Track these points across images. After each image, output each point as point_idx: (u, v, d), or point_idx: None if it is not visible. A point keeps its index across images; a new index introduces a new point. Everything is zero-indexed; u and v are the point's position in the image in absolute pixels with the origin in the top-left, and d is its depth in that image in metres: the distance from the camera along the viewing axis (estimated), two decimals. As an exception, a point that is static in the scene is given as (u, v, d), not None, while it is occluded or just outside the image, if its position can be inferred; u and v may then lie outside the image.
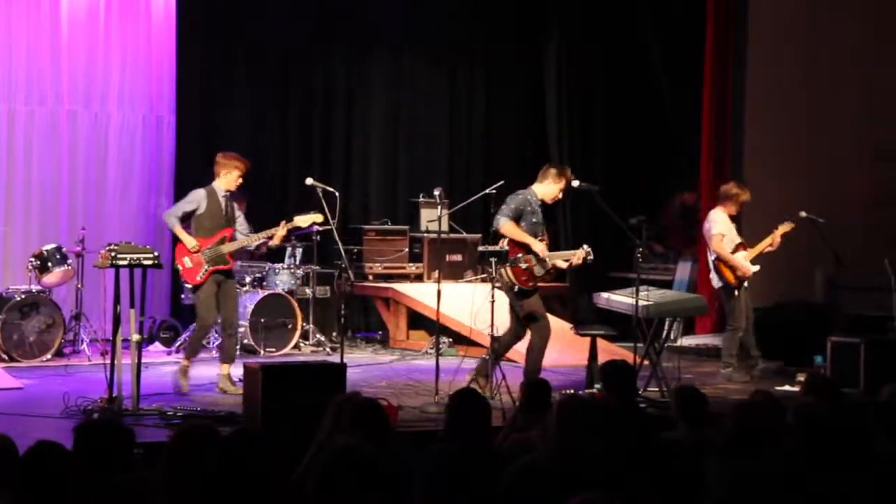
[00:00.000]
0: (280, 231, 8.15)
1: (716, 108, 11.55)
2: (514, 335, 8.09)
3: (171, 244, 10.54)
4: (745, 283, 9.20)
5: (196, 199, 8.12)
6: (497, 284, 8.00)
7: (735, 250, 9.21)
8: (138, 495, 3.48)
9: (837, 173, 11.21)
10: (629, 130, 12.97)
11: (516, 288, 7.92)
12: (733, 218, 9.32)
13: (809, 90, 11.33)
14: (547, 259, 7.94)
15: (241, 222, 8.28)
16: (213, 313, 8.10)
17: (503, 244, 8.03)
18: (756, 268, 9.24)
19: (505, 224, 7.93)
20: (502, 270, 7.89)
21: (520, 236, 7.93)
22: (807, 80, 11.33)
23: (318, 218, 8.16)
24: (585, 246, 8.00)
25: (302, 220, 8.23)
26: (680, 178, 12.46)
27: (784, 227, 9.32)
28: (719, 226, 9.20)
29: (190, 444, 3.60)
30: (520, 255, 7.92)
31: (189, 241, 8.02)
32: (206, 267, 8.01)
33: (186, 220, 8.14)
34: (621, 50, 12.86)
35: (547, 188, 8.00)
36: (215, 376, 8.21)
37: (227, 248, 8.05)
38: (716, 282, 9.29)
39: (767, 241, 9.29)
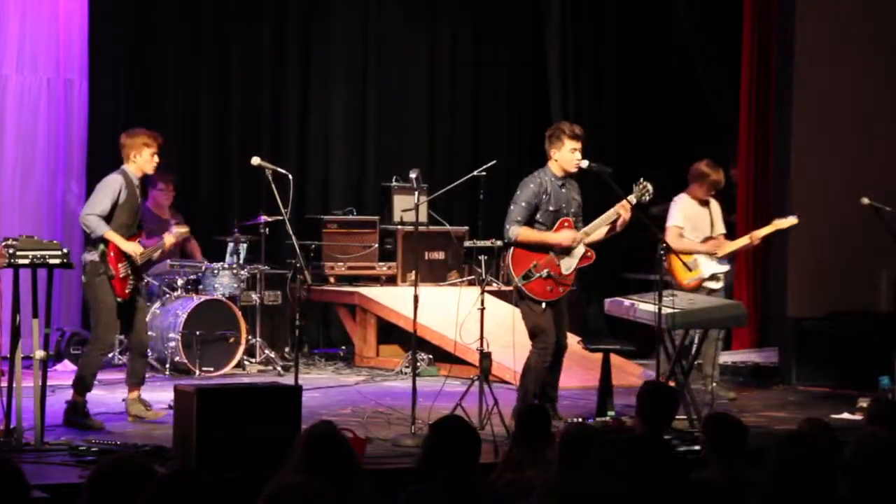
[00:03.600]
0: (169, 240, 8.39)
1: (757, 66, 11.57)
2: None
3: (83, 239, 10.54)
4: (714, 286, 9.28)
5: (116, 187, 7.97)
6: (490, 287, 8.03)
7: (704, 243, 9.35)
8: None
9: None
10: (651, 99, 13.00)
11: (543, 304, 7.93)
12: (702, 203, 9.39)
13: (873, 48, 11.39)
14: (578, 244, 7.98)
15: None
16: (115, 332, 8.10)
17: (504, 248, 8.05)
18: (725, 268, 9.34)
19: (518, 233, 7.92)
20: (516, 294, 7.93)
21: (535, 237, 7.94)
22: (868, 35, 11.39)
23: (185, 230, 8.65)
24: (636, 188, 8.03)
25: (169, 238, 8.43)
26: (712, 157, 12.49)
27: (779, 223, 9.43)
28: (675, 217, 9.33)
29: (116, 486, 3.58)
30: (533, 264, 7.92)
31: (131, 246, 7.91)
32: (131, 277, 7.99)
33: (111, 218, 7.95)
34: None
35: (561, 156, 8.01)
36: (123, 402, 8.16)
37: (145, 253, 8.00)
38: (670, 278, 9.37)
39: (746, 238, 9.45)
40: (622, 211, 7.97)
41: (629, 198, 8.01)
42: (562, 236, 7.97)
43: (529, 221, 7.98)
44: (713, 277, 9.35)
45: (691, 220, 9.41)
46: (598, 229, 8.10)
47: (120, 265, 7.90)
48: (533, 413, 5.73)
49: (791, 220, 9.48)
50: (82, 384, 7.84)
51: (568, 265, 8.00)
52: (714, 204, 9.56)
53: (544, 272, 7.90)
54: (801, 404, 9.39)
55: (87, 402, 7.86)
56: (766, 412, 9.01)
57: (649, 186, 8.12)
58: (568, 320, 8.26)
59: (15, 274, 7.11)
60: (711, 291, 9.31)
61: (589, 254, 8.09)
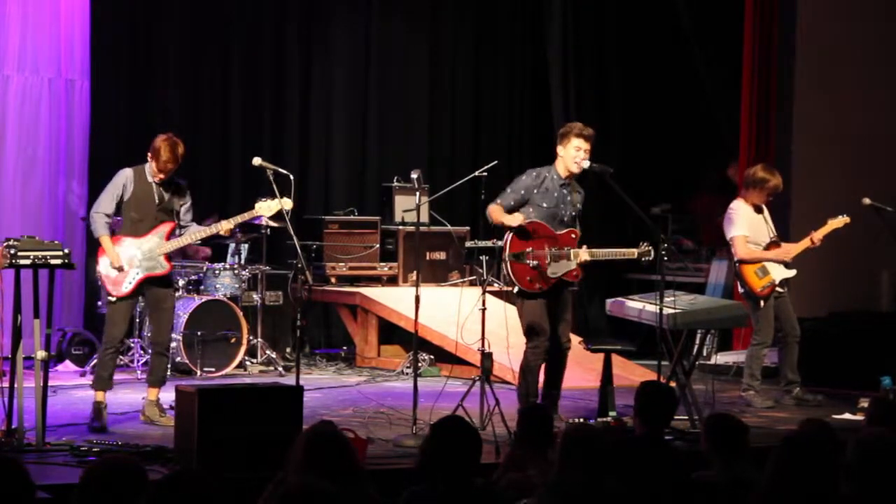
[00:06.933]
0: (228, 224, 8.05)
1: (758, 66, 11.59)
2: None
3: (86, 238, 10.54)
4: (781, 290, 9.29)
5: (121, 181, 7.92)
6: (491, 287, 8.02)
7: (766, 250, 9.32)
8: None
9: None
10: (652, 100, 13.00)
11: (516, 288, 7.95)
12: (756, 209, 9.38)
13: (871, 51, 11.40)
14: (572, 256, 7.96)
15: (185, 217, 8.07)
16: (124, 328, 8.00)
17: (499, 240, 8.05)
18: (792, 272, 9.33)
19: (490, 209, 7.98)
20: (503, 265, 7.95)
21: (497, 216, 7.92)
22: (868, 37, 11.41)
23: (287, 204, 8.04)
24: (640, 246, 8.11)
25: (265, 208, 8.15)
26: (714, 161, 12.50)
27: (834, 223, 9.37)
28: (739, 226, 9.28)
29: (103, 488, 3.57)
30: (528, 249, 7.94)
31: (113, 256, 7.87)
32: (136, 273, 7.94)
33: (119, 212, 7.97)
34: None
35: (566, 153, 8.03)
36: (139, 402, 8.19)
37: (165, 247, 7.97)
38: (740, 286, 9.42)
39: (807, 240, 9.38)
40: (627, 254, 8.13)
41: (631, 250, 8.11)
42: (513, 218, 7.91)
43: (511, 210, 7.98)
44: (782, 283, 9.35)
45: (752, 229, 9.36)
46: (591, 256, 8.10)
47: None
48: (534, 413, 5.74)
49: (844, 219, 9.39)
50: (98, 382, 7.90)
51: (554, 270, 7.99)
52: (764, 208, 9.51)
53: (534, 262, 7.92)
54: (802, 404, 9.38)
55: (105, 402, 7.84)
56: (766, 412, 9.01)
57: (651, 251, 8.12)
58: (570, 322, 8.24)
59: (16, 274, 7.11)
60: (780, 295, 9.31)
61: (576, 272, 8.06)
